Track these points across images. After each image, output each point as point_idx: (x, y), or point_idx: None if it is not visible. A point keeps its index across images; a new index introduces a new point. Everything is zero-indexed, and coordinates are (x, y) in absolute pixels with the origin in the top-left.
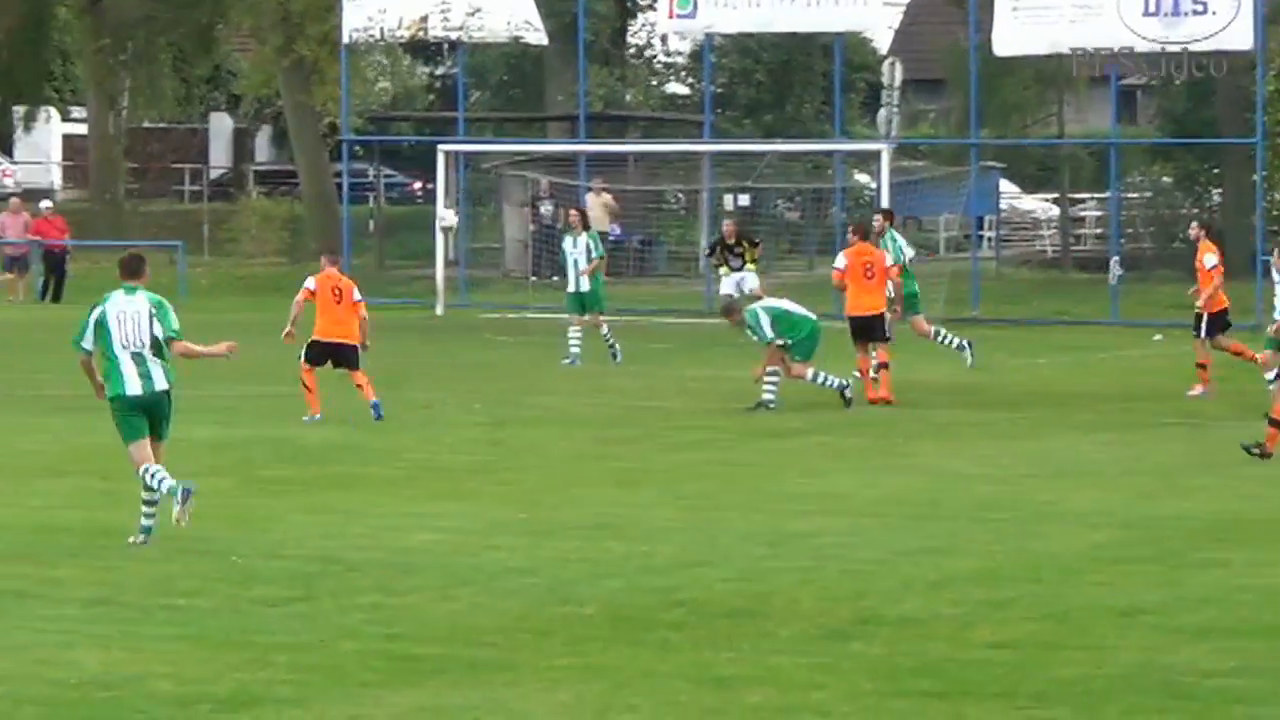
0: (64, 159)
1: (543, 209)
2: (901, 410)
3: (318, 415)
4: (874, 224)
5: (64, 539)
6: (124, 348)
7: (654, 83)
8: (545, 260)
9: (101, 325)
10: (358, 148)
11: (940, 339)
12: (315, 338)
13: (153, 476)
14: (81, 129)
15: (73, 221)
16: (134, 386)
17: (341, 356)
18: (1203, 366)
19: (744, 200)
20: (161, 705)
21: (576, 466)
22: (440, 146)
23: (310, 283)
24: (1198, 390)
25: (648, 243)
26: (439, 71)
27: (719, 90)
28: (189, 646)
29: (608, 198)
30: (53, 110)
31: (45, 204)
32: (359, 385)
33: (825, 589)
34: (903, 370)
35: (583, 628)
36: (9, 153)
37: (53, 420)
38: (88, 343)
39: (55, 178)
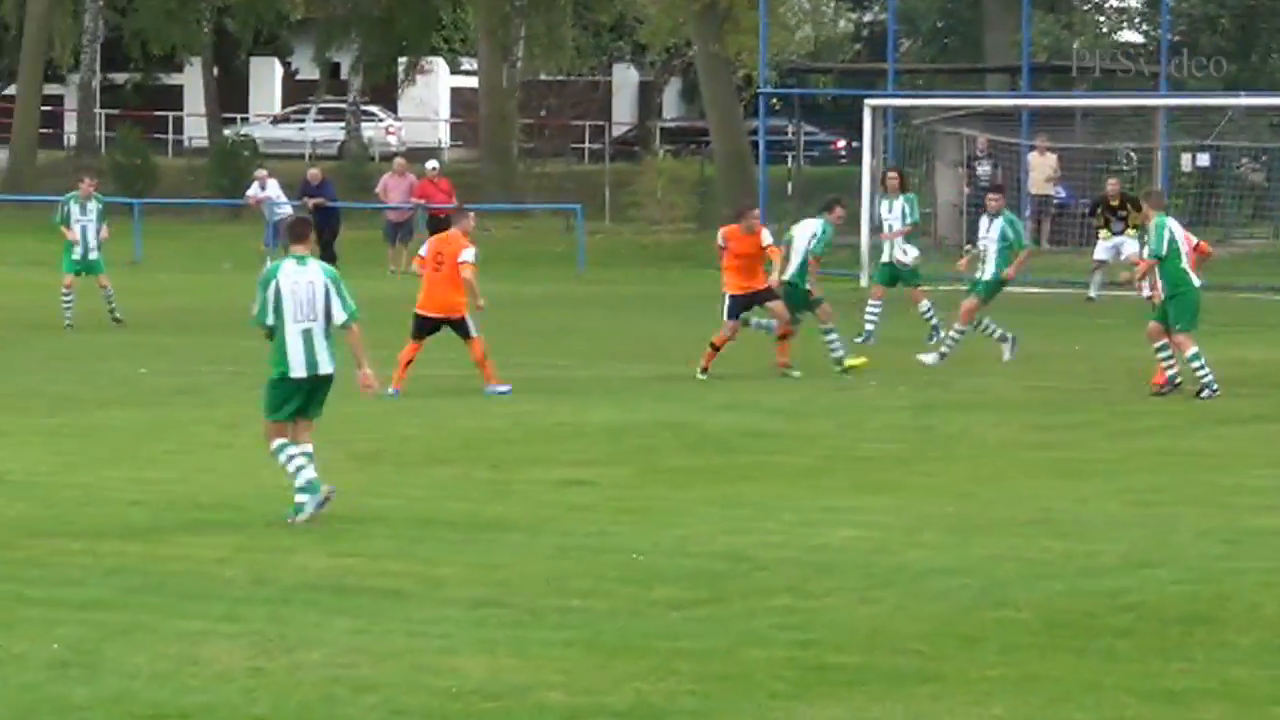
0: (452, 115)
1: (979, 169)
2: None
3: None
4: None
5: (447, 533)
6: (296, 323)
7: (1104, 30)
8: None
9: (277, 297)
10: (775, 101)
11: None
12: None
13: (291, 461)
14: (472, 82)
15: (461, 184)
16: (299, 368)
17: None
18: None
19: (1203, 160)
20: (552, 717)
21: (1011, 456)
22: (867, 101)
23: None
24: None
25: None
26: (866, 18)
27: (1176, 38)
28: (583, 653)
29: (1052, 158)
30: (440, 61)
31: (431, 164)
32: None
33: None
34: None
35: (1017, 634)
36: (393, 109)
37: (435, 403)
38: (270, 319)
39: (443, 135)
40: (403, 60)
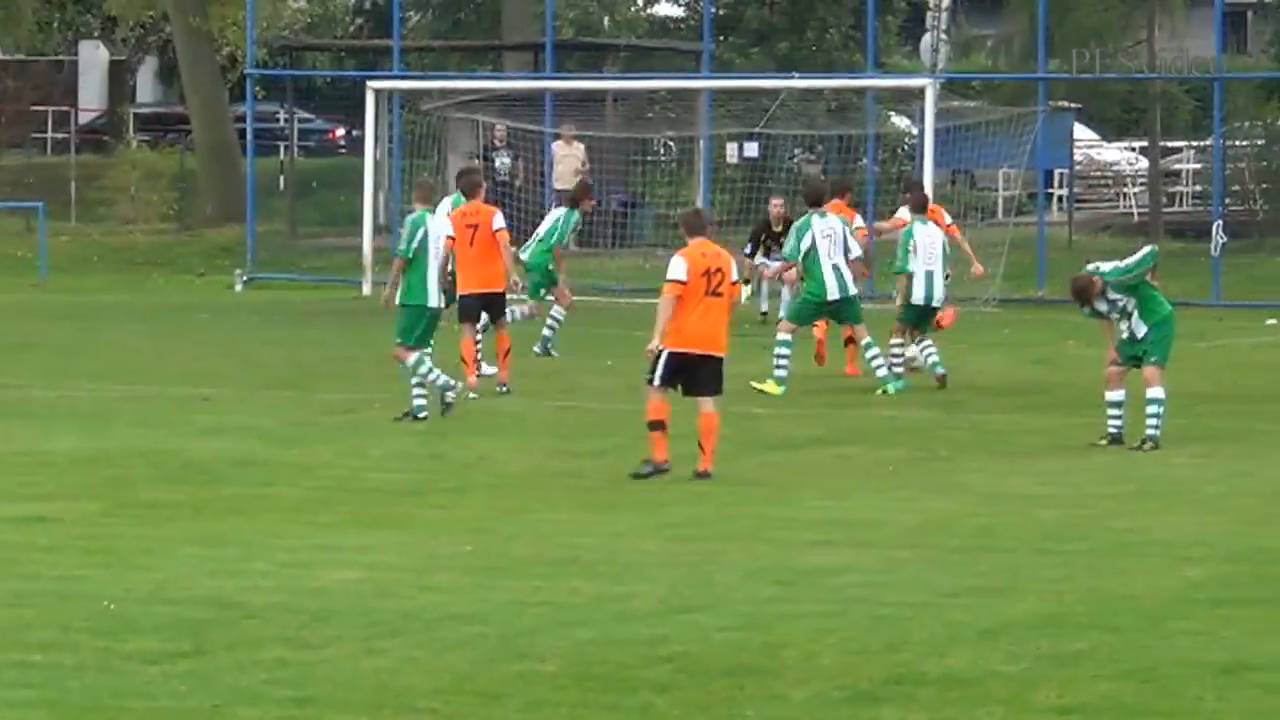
0: None
1: (498, 161)
2: (944, 413)
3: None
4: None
5: None
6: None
7: (639, 3)
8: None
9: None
10: (264, 86)
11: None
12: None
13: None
14: None
15: None
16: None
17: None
18: None
19: (751, 150)
20: None
21: (535, 486)
22: (370, 83)
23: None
24: None
25: (630, 205)
26: None
27: (721, 11)
28: (46, 715)
29: (580, 148)
30: None
31: None
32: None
33: (850, 640)
34: (950, 364)
35: (543, 689)
36: None
37: None
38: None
39: None
40: None
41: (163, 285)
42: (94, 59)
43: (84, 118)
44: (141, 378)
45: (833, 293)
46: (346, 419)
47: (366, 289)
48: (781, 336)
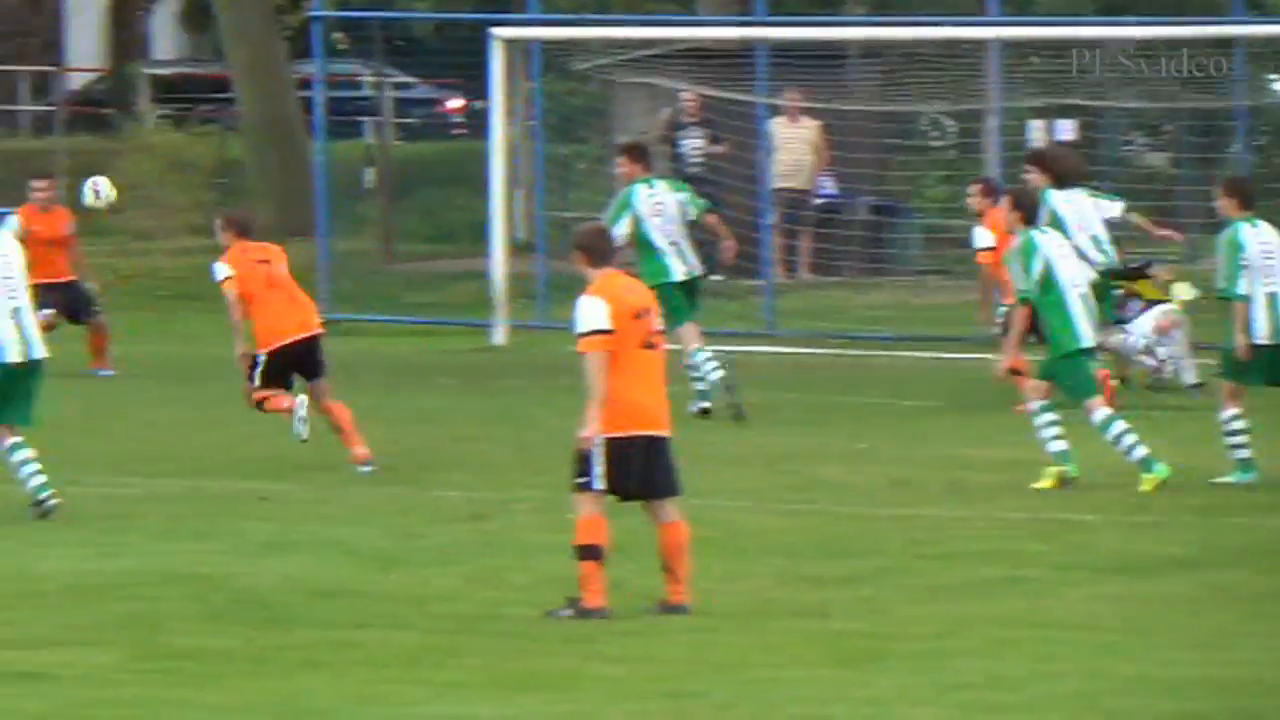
0: None
1: (687, 144)
2: None
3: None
4: None
5: None
6: None
7: None
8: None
9: None
10: (341, 36)
11: None
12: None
13: None
14: None
15: None
16: None
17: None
18: None
19: (1066, 130)
20: None
21: (757, 629)
22: (495, 30)
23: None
24: None
25: (887, 209)
26: None
27: None
28: None
29: (812, 126)
30: None
31: None
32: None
33: None
34: None
35: None
36: None
37: None
38: None
39: None
40: None
41: (197, 329)
42: None
43: (74, 81)
44: (170, 467)
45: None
46: (476, 529)
47: (499, 336)
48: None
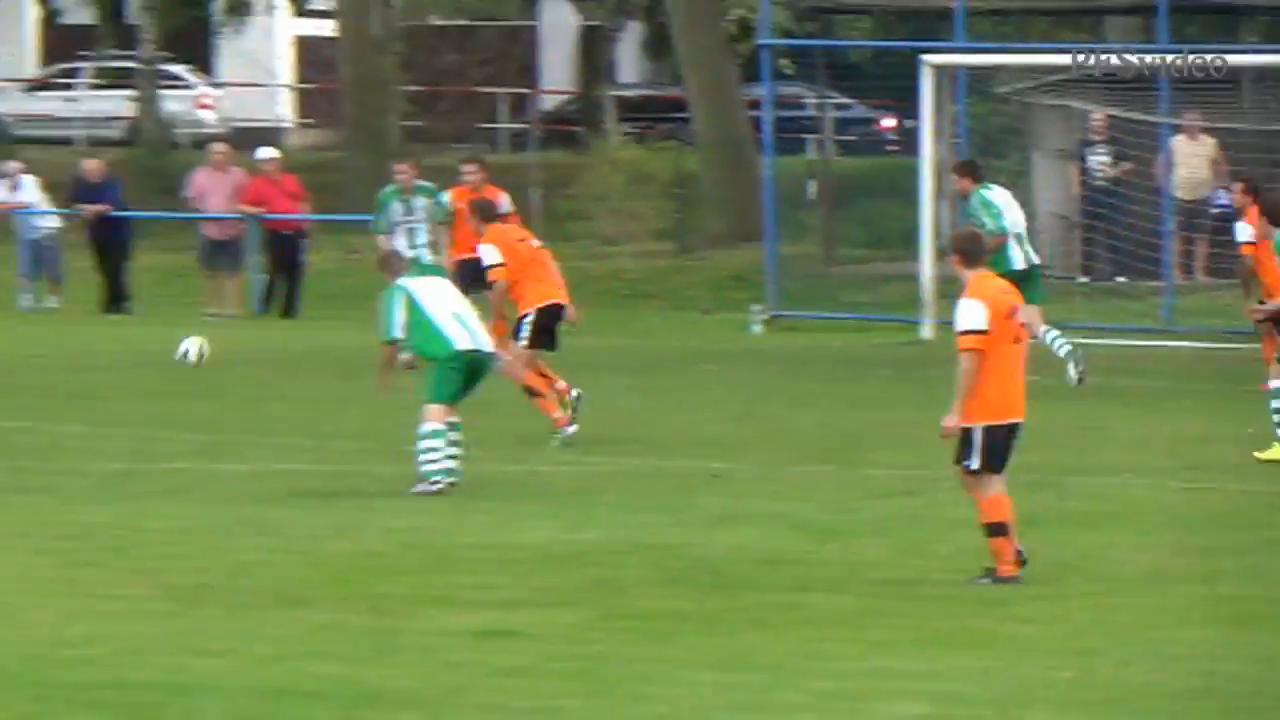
0: (297, 79)
1: (1093, 160)
2: None
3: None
4: None
5: (305, 710)
6: None
7: None
8: (1103, 244)
9: None
10: (787, 61)
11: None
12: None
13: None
14: (327, 28)
15: (314, 182)
16: None
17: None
18: None
19: None
20: None
21: (1156, 593)
22: (926, 57)
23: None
24: None
25: None
26: None
27: None
28: None
29: (1209, 143)
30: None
31: (267, 153)
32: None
33: None
34: None
35: None
36: (207, 69)
37: (288, 513)
38: None
39: (284, 108)
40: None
41: (657, 325)
42: (560, 25)
43: (548, 102)
44: (633, 447)
45: None
46: (906, 504)
47: (927, 331)
48: None
